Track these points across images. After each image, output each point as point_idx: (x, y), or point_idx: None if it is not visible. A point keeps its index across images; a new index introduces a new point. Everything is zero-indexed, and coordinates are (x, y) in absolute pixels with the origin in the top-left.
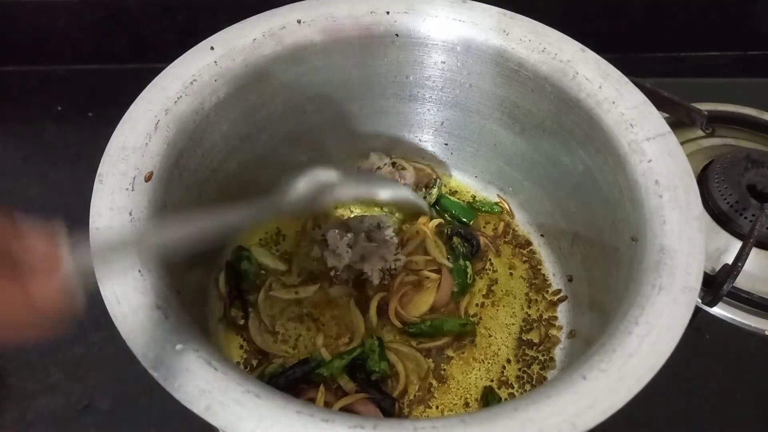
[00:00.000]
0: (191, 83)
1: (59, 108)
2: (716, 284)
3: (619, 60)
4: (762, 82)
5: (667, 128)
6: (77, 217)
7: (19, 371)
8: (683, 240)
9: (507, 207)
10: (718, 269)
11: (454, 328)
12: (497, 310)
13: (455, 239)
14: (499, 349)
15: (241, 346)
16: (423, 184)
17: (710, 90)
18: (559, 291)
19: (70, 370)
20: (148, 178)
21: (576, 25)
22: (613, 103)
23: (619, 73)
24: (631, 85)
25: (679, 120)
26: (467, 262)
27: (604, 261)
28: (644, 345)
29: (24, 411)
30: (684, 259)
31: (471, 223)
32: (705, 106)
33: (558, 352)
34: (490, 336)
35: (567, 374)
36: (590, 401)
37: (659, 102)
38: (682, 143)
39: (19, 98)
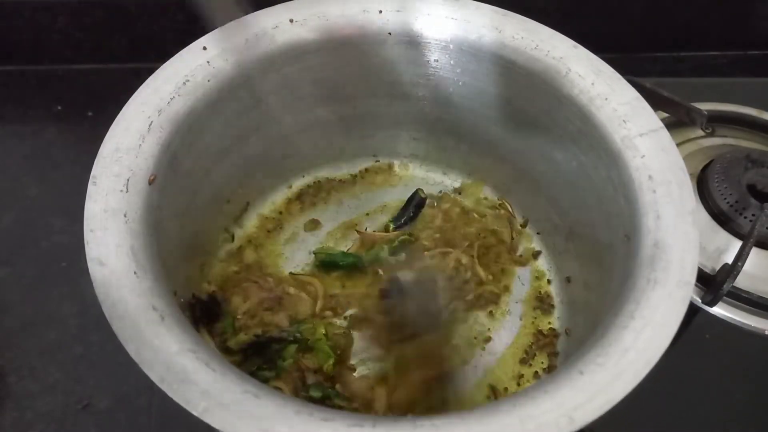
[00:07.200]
0: (184, 84)
1: (59, 108)
2: (716, 284)
3: (619, 60)
4: (762, 82)
5: (660, 124)
6: (77, 217)
7: (18, 371)
8: (677, 234)
9: (509, 209)
10: (718, 269)
11: None
12: None
13: None
14: None
15: None
16: None
17: (710, 90)
18: None
19: (70, 370)
20: (151, 181)
21: (575, 25)
22: (606, 99)
23: (611, 69)
24: (624, 81)
25: (679, 120)
26: None
27: (599, 257)
28: (640, 339)
29: (24, 411)
30: (678, 253)
31: None
32: (705, 106)
33: None
34: None
35: (564, 369)
36: (588, 396)
37: (659, 102)
38: (681, 143)
39: (18, 98)
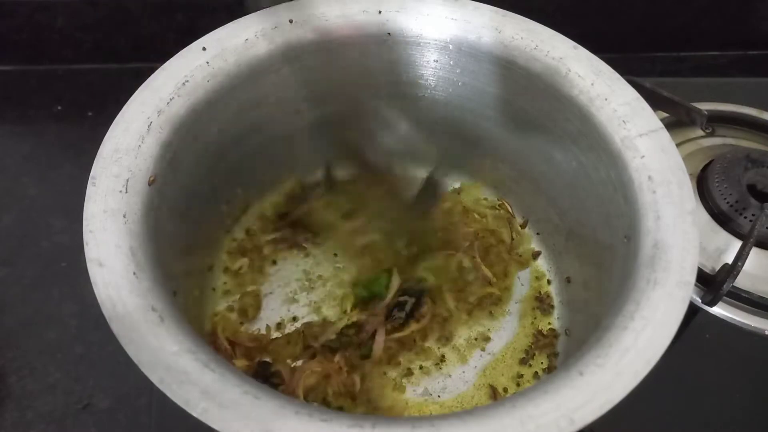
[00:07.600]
0: (183, 84)
1: (59, 107)
2: (716, 284)
3: (619, 60)
4: (762, 82)
5: (660, 124)
6: (77, 217)
7: (19, 371)
8: (677, 234)
9: (508, 209)
10: (718, 269)
11: None
12: None
13: None
14: None
15: None
16: None
17: (710, 90)
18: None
19: (70, 369)
20: (151, 182)
21: (575, 25)
22: (606, 99)
23: (611, 69)
24: (623, 81)
25: (679, 120)
26: None
27: (599, 257)
28: (640, 340)
29: (24, 411)
30: (678, 253)
31: None
32: (705, 106)
33: None
34: None
35: (564, 370)
36: (588, 396)
37: (659, 102)
38: (681, 143)
39: (19, 98)
